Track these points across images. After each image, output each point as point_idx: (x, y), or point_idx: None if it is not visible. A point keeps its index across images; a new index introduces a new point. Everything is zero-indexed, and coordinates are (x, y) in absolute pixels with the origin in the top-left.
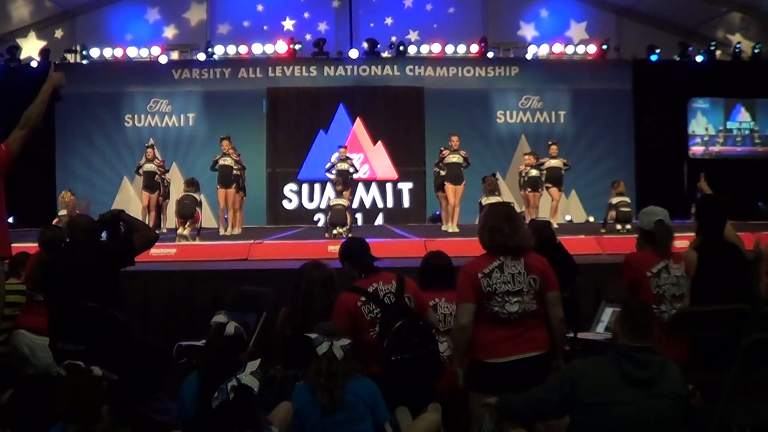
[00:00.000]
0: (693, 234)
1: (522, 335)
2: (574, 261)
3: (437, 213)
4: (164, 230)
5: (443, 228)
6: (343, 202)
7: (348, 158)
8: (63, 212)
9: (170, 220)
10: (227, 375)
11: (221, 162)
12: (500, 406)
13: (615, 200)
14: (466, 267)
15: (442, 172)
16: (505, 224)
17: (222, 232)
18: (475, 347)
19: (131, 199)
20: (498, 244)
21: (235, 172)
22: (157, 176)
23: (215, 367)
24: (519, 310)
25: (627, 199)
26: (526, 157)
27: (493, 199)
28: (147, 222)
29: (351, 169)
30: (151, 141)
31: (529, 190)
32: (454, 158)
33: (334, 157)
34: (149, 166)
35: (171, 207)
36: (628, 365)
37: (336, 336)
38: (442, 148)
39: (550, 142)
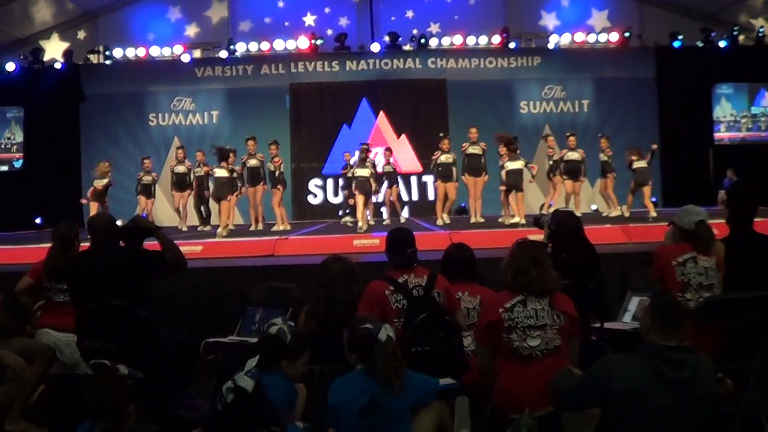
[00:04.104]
0: (719, 221)
1: (549, 381)
2: (595, 250)
3: (463, 205)
4: (208, 228)
5: (437, 221)
6: (366, 173)
7: (369, 156)
8: (99, 181)
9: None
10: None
11: (249, 164)
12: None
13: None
14: (486, 302)
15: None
16: (531, 267)
17: (277, 227)
18: (497, 393)
19: (157, 198)
20: (521, 286)
21: (262, 171)
22: (188, 176)
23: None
24: (541, 344)
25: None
26: (550, 139)
27: (512, 165)
28: (180, 219)
29: (375, 171)
30: (179, 142)
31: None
32: (474, 149)
33: (357, 155)
34: (180, 168)
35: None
36: (663, 366)
37: (380, 323)
38: (463, 144)
39: (568, 134)
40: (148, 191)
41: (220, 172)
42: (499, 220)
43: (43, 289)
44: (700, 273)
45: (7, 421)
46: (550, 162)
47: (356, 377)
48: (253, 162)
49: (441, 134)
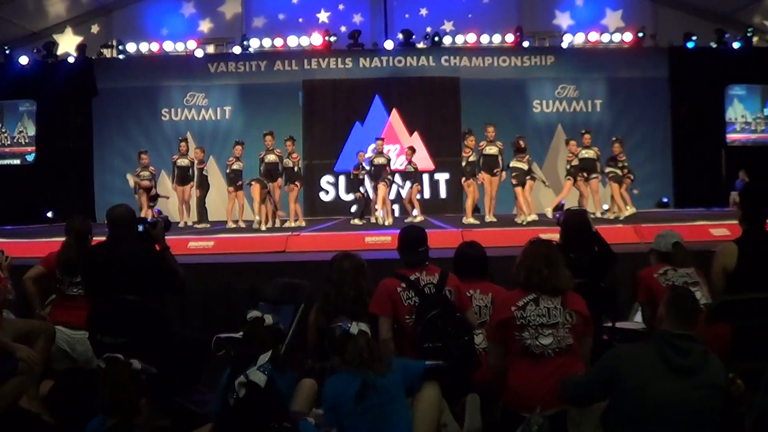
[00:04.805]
0: (732, 222)
1: (560, 380)
2: (611, 250)
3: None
4: (208, 225)
5: (464, 221)
6: (383, 160)
7: (384, 152)
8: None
9: (214, 212)
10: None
11: (266, 159)
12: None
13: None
14: (499, 301)
15: (471, 159)
16: (543, 266)
17: (290, 223)
18: (509, 391)
19: (169, 193)
20: (534, 285)
21: (280, 166)
22: (191, 170)
23: (249, 360)
24: (553, 343)
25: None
26: (572, 143)
27: (518, 164)
28: (182, 214)
29: (387, 165)
30: (188, 134)
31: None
32: (491, 150)
33: (371, 149)
34: (183, 161)
35: (209, 198)
36: (670, 352)
37: (351, 320)
38: (481, 143)
39: (583, 131)
40: (146, 187)
41: (272, 158)
42: (516, 220)
43: (54, 281)
44: (682, 276)
45: (26, 397)
46: (568, 166)
47: (343, 373)
48: (271, 158)
49: (466, 131)
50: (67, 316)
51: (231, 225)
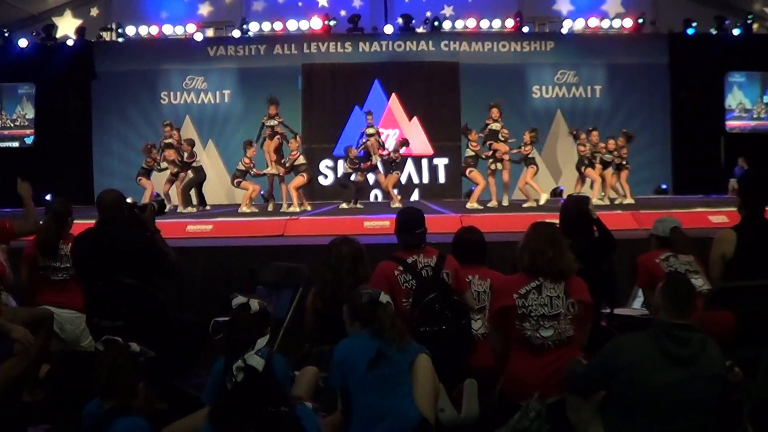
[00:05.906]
0: (730, 209)
1: (559, 370)
2: (612, 236)
3: (473, 188)
4: (209, 207)
5: (467, 206)
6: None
7: (377, 132)
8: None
9: (212, 196)
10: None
11: (268, 124)
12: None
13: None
14: (500, 285)
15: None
16: (548, 247)
17: (294, 208)
18: (507, 379)
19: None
20: (539, 268)
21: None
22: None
23: (240, 346)
24: (553, 335)
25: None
26: (582, 137)
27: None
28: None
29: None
30: (191, 121)
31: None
32: (496, 126)
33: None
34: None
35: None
36: (669, 342)
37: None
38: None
39: (590, 128)
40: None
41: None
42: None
43: (37, 269)
44: (683, 264)
45: (26, 391)
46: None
47: (362, 337)
48: (272, 123)
49: (466, 127)
50: (55, 297)
51: (244, 209)
